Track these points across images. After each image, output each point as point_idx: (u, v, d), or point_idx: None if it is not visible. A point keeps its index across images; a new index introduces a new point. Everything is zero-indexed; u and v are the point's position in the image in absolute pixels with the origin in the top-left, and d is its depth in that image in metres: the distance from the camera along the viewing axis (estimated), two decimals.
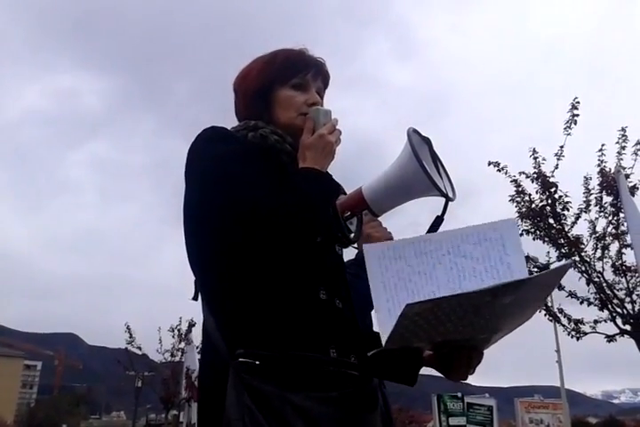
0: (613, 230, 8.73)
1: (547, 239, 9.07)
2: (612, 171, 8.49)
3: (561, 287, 9.17)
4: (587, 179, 8.95)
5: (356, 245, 1.88)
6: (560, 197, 8.91)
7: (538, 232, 9.12)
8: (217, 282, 1.35)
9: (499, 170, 9.49)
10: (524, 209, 9.23)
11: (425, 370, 1.55)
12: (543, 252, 9.34)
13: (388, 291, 1.39)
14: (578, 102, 8.77)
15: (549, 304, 9.56)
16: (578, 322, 9.13)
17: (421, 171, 1.37)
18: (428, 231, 1.50)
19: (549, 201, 8.97)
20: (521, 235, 9.19)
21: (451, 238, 1.42)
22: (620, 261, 8.72)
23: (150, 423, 44.51)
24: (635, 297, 8.52)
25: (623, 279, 8.69)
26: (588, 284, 8.75)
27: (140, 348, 22.86)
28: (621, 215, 8.39)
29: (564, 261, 8.87)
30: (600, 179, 8.80)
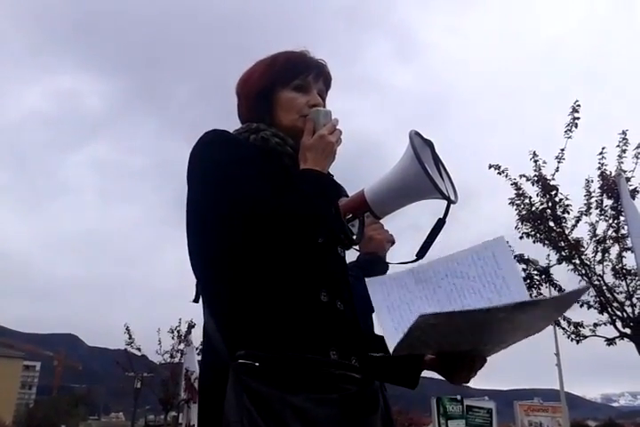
0: (614, 234, 8.75)
1: (547, 242, 9.09)
2: (613, 174, 8.51)
3: (561, 290, 9.20)
4: (588, 181, 8.96)
5: (357, 248, 1.89)
6: (560, 199, 8.93)
7: (538, 235, 9.14)
8: (217, 284, 1.35)
9: (499, 173, 9.51)
10: (524, 212, 9.25)
11: (424, 372, 1.56)
12: (543, 255, 9.37)
13: (392, 312, 1.41)
14: (579, 105, 8.80)
15: None
16: (578, 325, 9.15)
17: (423, 173, 1.37)
18: (431, 233, 1.51)
19: (550, 204, 8.98)
20: (521, 238, 9.23)
21: (446, 263, 1.45)
22: (620, 265, 8.74)
23: (149, 425, 44.52)
24: (635, 300, 8.55)
25: (623, 283, 8.71)
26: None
27: (139, 349, 22.87)
28: (622, 218, 8.40)
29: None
30: (600, 182, 8.81)
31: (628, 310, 8.54)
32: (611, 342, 8.72)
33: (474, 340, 1.30)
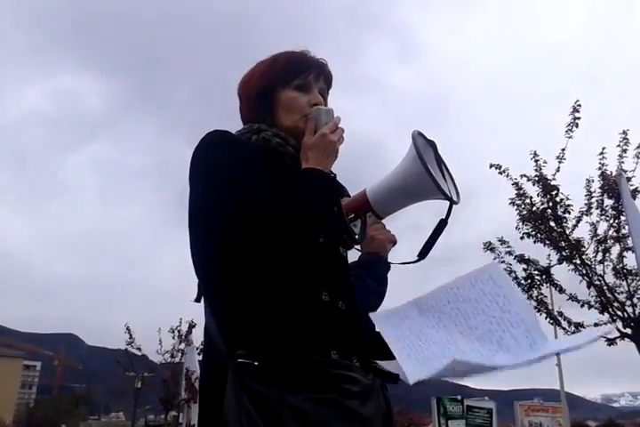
0: (614, 233, 8.74)
1: (548, 242, 9.07)
2: (614, 174, 8.50)
3: (562, 290, 9.20)
4: (588, 181, 8.96)
5: (359, 248, 1.89)
6: (561, 199, 8.92)
7: (539, 235, 9.13)
8: (219, 283, 1.35)
9: (500, 173, 9.50)
10: (524, 212, 9.24)
11: None
12: (544, 255, 9.36)
13: (403, 340, 1.42)
14: (579, 105, 8.79)
15: (550, 307, 9.57)
16: (578, 325, 9.13)
17: (426, 174, 1.37)
18: (433, 234, 1.51)
19: (550, 204, 8.97)
20: (522, 238, 9.24)
21: (446, 290, 1.46)
22: (620, 265, 8.73)
23: (149, 424, 44.52)
24: (635, 300, 8.53)
25: (624, 282, 8.70)
26: (588, 287, 8.76)
27: (139, 349, 22.84)
28: (622, 218, 8.39)
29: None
30: (601, 182, 8.81)
31: (629, 310, 8.53)
32: (611, 342, 8.70)
33: None
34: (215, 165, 1.38)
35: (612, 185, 8.51)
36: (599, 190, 8.84)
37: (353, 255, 1.79)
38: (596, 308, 8.77)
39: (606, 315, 8.69)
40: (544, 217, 9.03)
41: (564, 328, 9.29)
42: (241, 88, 1.61)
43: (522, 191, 9.31)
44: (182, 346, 20.56)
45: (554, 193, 8.92)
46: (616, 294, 8.68)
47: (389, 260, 1.95)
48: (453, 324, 1.42)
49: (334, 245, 1.45)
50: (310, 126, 1.44)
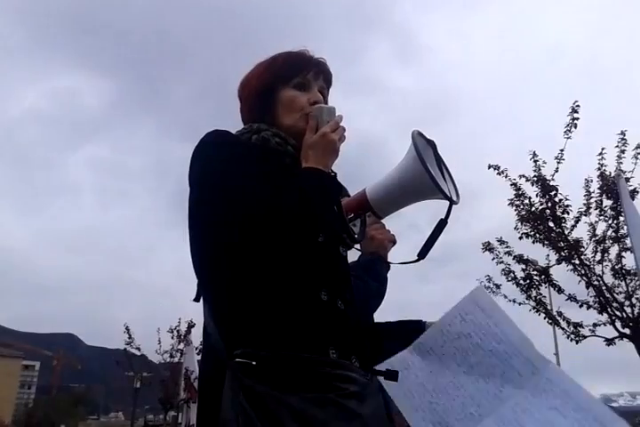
0: (613, 234, 8.73)
1: (546, 242, 9.07)
2: (612, 174, 8.50)
3: (560, 290, 9.20)
4: (587, 182, 8.96)
5: (359, 247, 1.89)
6: (560, 200, 8.91)
7: (537, 235, 9.13)
8: (217, 283, 1.35)
9: (499, 173, 9.50)
10: (523, 212, 9.24)
11: None
12: (543, 255, 9.36)
13: (420, 411, 1.45)
14: (578, 106, 8.77)
15: (549, 307, 9.58)
16: (577, 325, 9.14)
17: (426, 174, 1.37)
18: (432, 234, 1.51)
19: (549, 204, 8.96)
20: (520, 238, 9.24)
21: (440, 331, 1.48)
22: (619, 265, 8.72)
23: (149, 424, 44.39)
24: (634, 301, 8.53)
25: (623, 283, 8.69)
26: (587, 287, 8.76)
27: (138, 348, 22.82)
28: (621, 219, 8.39)
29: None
30: (600, 182, 8.81)
31: (628, 310, 8.53)
32: (610, 342, 8.71)
33: None
34: (214, 165, 1.38)
35: (610, 185, 8.52)
36: (598, 191, 8.84)
37: (353, 255, 1.80)
38: (594, 308, 8.77)
39: (605, 315, 8.69)
40: (543, 217, 9.03)
41: (562, 328, 9.30)
42: (240, 89, 1.62)
43: (521, 192, 9.31)
44: (181, 346, 20.55)
45: (553, 193, 8.92)
46: (615, 295, 8.68)
47: (389, 260, 1.96)
48: (455, 364, 1.44)
49: (334, 245, 1.45)
50: (311, 125, 1.43)
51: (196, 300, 1.44)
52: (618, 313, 8.57)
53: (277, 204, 1.27)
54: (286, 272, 1.30)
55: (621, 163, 8.60)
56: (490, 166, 9.56)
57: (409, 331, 1.58)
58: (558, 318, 9.32)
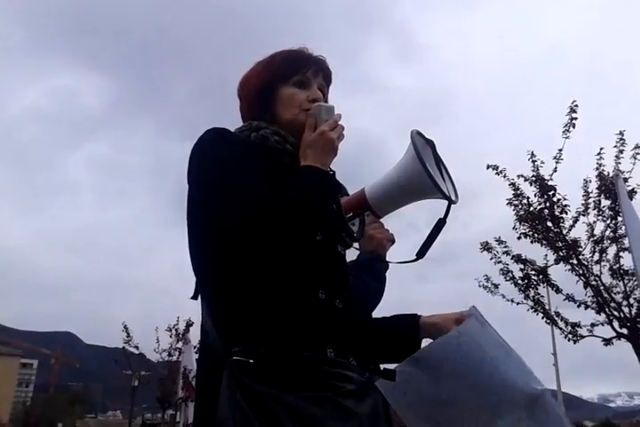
0: (611, 234, 8.76)
1: (545, 242, 9.10)
2: (611, 174, 8.51)
3: (558, 290, 9.22)
4: (585, 182, 8.97)
5: (357, 246, 1.90)
6: (558, 200, 8.93)
7: (536, 235, 9.15)
8: (214, 280, 1.35)
9: (497, 173, 9.51)
10: (522, 212, 9.25)
11: None
12: (541, 255, 9.38)
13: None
14: (576, 106, 8.79)
15: (547, 307, 9.60)
16: (575, 325, 9.16)
17: (425, 173, 1.38)
18: (431, 233, 1.51)
19: (548, 204, 8.98)
20: (519, 238, 9.25)
21: (438, 348, 1.50)
22: (617, 265, 8.75)
23: (146, 423, 44.40)
24: (632, 301, 8.55)
25: (620, 283, 8.72)
26: (585, 287, 8.78)
27: (137, 347, 22.89)
28: (619, 219, 8.41)
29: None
30: (598, 182, 8.82)
31: (626, 310, 8.55)
32: (608, 342, 8.73)
33: None
34: (212, 163, 1.37)
35: (608, 186, 8.53)
36: (596, 191, 8.86)
37: (352, 254, 1.80)
38: (592, 308, 8.79)
39: (603, 315, 8.72)
40: (541, 217, 9.05)
41: (560, 328, 9.34)
42: (240, 88, 1.61)
43: (519, 191, 9.33)
44: (180, 345, 20.60)
45: (551, 193, 8.94)
46: (613, 295, 8.71)
47: (388, 259, 1.96)
48: (450, 385, 1.47)
49: (332, 244, 1.44)
50: (310, 123, 1.43)
51: (194, 297, 1.43)
52: (615, 313, 8.59)
53: (275, 202, 1.27)
54: (284, 270, 1.30)
55: (620, 163, 8.63)
56: (488, 166, 9.58)
57: (403, 326, 1.58)
58: (556, 318, 9.36)
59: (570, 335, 9.18)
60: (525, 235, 9.23)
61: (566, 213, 8.92)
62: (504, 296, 10.02)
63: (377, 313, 1.92)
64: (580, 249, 8.88)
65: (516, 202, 9.35)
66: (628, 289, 8.64)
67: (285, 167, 1.43)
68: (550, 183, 8.93)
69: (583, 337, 9.10)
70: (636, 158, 8.53)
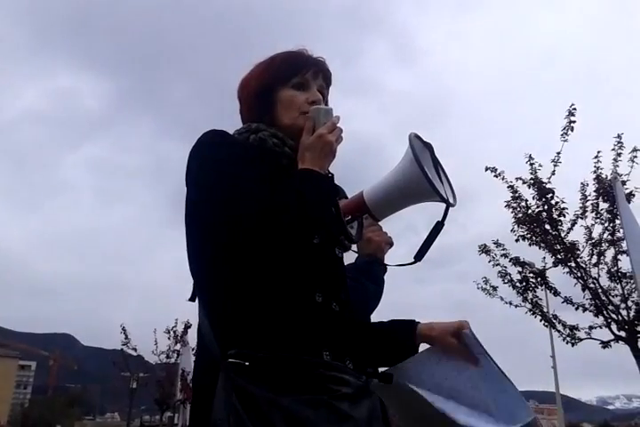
0: (609, 237, 8.74)
1: (543, 245, 9.08)
2: (609, 177, 8.52)
3: (556, 293, 9.22)
4: (583, 185, 8.97)
5: (356, 249, 1.90)
6: (556, 202, 8.93)
7: (534, 238, 9.14)
8: (211, 282, 1.35)
9: (495, 175, 9.51)
10: (520, 215, 9.25)
11: None
12: (539, 257, 9.39)
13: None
14: (575, 109, 8.80)
15: (545, 310, 9.60)
16: (573, 328, 9.16)
17: (423, 176, 1.38)
18: (429, 236, 1.51)
19: (546, 207, 8.98)
20: (517, 240, 9.26)
21: (419, 363, 1.51)
22: (615, 268, 8.73)
23: (145, 425, 44.42)
24: (630, 303, 8.53)
25: (618, 286, 8.70)
26: (583, 290, 8.77)
27: (135, 349, 22.82)
28: (617, 222, 8.39)
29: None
30: (596, 185, 8.82)
31: (624, 313, 8.54)
32: (606, 345, 8.72)
33: None
34: (210, 164, 1.37)
35: (607, 188, 8.53)
36: (594, 194, 8.86)
37: (350, 257, 1.81)
38: (590, 311, 8.78)
39: (601, 318, 8.70)
40: (539, 220, 9.04)
41: (558, 331, 9.33)
42: (240, 90, 1.62)
43: (517, 194, 9.33)
44: (178, 347, 20.55)
45: (549, 196, 8.93)
46: (610, 297, 8.69)
47: (386, 261, 1.96)
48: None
49: (329, 247, 1.44)
50: (308, 126, 1.43)
51: (192, 299, 1.44)
52: (614, 316, 8.57)
53: (273, 205, 1.27)
54: (281, 273, 1.30)
55: (618, 166, 8.62)
56: (487, 169, 9.57)
57: (401, 333, 1.58)
58: (554, 321, 9.35)
59: (568, 338, 9.17)
60: (523, 237, 9.22)
61: (564, 216, 8.92)
62: (502, 299, 10.02)
63: (376, 315, 1.93)
64: (578, 252, 8.88)
65: (515, 205, 9.34)
66: (625, 292, 8.63)
67: (283, 170, 1.43)
68: (548, 186, 8.93)
69: (581, 340, 9.09)
70: (633, 161, 8.52)
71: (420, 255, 1.53)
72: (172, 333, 21.16)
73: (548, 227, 9.01)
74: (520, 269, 9.57)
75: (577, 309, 8.92)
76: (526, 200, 9.22)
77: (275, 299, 1.28)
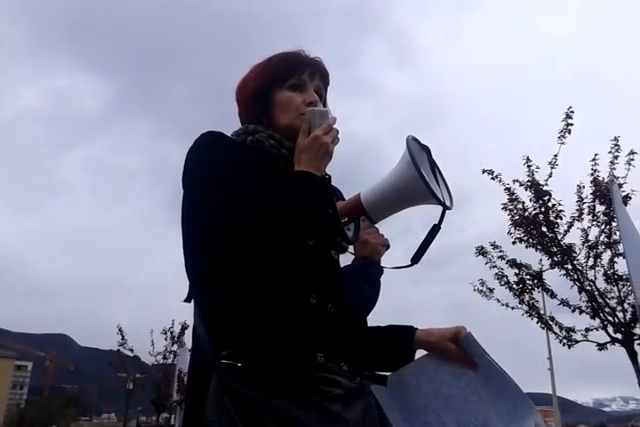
0: (606, 239, 8.76)
1: (539, 247, 9.09)
2: (606, 180, 8.54)
3: (553, 295, 9.23)
4: (580, 187, 8.99)
5: (353, 251, 1.91)
6: (553, 205, 8.94)
7: (531, 240, 9.15)
8: (205, 284, 1.36)
9: (492, 178, 9.52)
10: (517, 217, 9.27)
11: None
12: (536, 259, 9.40)
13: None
14: (572, 111, 8.82)
15: (542, 312, 9.61)
16: (569, 330, 9.17)
17: (420, 179, 1.38)
18: (426, 239, 1.52)
19: (542, 209, 8.99)
20: (514, 243, 9.26)
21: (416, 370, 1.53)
22: (612, 270, 8.74)
23: (141, 426, 44.29)
24: (626, 306, 8.55)
25: (615, 288, 8.71)
26: (580, 292, 8.78)
27: (132, 350, 22.80)
28: (614, 224, 8.42)
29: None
30: (593, 188, 8.84)
31: (620, 315, 8.55)
32: (602, 347, 8.73)
33: None
34: (207, 166, 1.38)
35: (603, 191, 8.55)
36: (591, 196, 8.88)
37: (346, 259, 1.81)
38: (587, 313, 8.79)
39: (597, 320, 8.72)
40: (536, 222, 9.06)
41: (555, 333, 9.34)
42: (238, 93, 1.62)
43: (514, 196, 9.34)
44: (175, 347, 20.55)
45: (546, 198, 8.94)
46: (607, 300, 8.70)
47: (383, 264, 1.97)
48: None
49: (324, 248, 1.44)
50: (304, 128, 1.42)
51: (187, 300, 1.44)
52: (610, 318, 8.58)
53: (268, 207, 1.27)
54: (276, 275, 1.30)
55: (614, 169, 8.64)
56: (484, 171, 9.59)
57: (398, 339, 1.58)
58: (551, 323, 9.36)
59: (564, 340, 9.18)
60: (520, 240, 9.23)
61: (561, 219, 8.93)
62: (499, 301, 10.03)
63: (372, 317, 1.93)
64: (575, 254, 8.88)
65: (511, 207, 9.36)
66: (622, 294, 8.64)
67: (280, 172, 1.43)
68: (545, 188, 8.95)
69: (578, 342, 9.10)
70: (630, 164, 8.54)
71: (416, 258, 1.54)
72: (168, 333, 21.17)
73: (544, 229, 9.02)
74: (517, 271, 9.58)
75: (573, 311, 8.93)
76: (523, 202, 9.24)
77: (269, 300, 1.28)
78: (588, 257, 8.85)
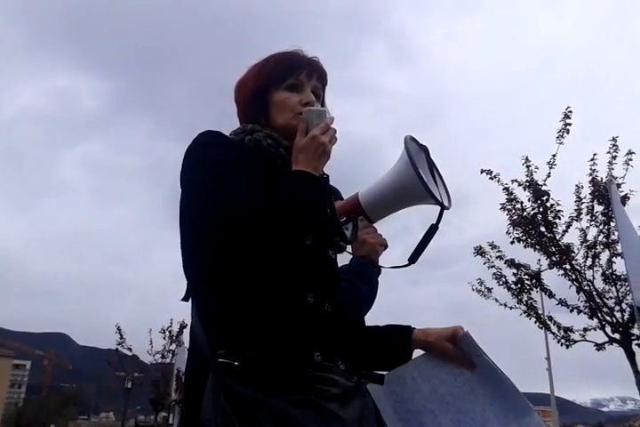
0: (604, 239, 8.78)
1: (538, 247, 9.11)
2: (604, 180, 8.55)
3: (551, 295, 9.24)
4: (578, 187, 9.00)
5: (350, 250, 1.91)
6: (552, 205, 8.96)
7: (529, 240, 9.17)
8: (203, 283, 1.36)
9: (491, 178, 9.52)
10: (515, 217, 9.27)
11: None
12: (534, 259, 9.41)
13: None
14: (570, 112, 8.83)
15: (540, 312, 9.62)
16: (567, 330, 9.18)
17: (418, 179, 1.38)
18: (423, 239, 1.52)
19: (541, 209, 9.01)
20: (512, 242, 9.27)
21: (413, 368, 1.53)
22: (610, 270, 8.77)
23: (139, 425, 44.18)
24: (624, 306, 8.57)
25: (613, 288, 8.74)
26: (578, 292, 8.81)
27: (130, 349, 22.84)
28: (612, 224, 8.44)
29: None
30: (591, 188, 8.85)
31: (618, 315, 8.57)
32: (600, 347, 8.74)
33: None
34: (205, 165, 1.38)
35: (602, 191, 8.57)
36: (589, 196, 8.89)
37: (344, 259, 1.81)
38: (585, 313, 8.81)
39: (595, 320, 8.73)
40: (534, 222, 9.07)
41: (553, 333, 9.35)
42: (236, 93, 1.62)
43: (513, 196, 9.35)
44: (173, 346, 20.58)
45: (544, 198, 8.96)
46: (605, 300, 8.73)
47: (380, 263, 1.97)
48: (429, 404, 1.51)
49: (322, 248, 1.44)
50: (301, 128, 1.42)
51: (185, 299, 1.44)
52: (608, 318, 8.61)
53: (265, 207, 1.27)
54: (273, 274, 1.30)
55: (613, 169, 8.65)
56: (482, 171, 9.59)
57: (396, 338, 1.58)
58: (549, 323, 9.37)
59: (562, 340, 9.19)
60: (519, 240, 9.25)
61: (559, 219, 8.95)
62: (497, 300, 10.04)
63: (370, 316, 1.94)
64: (573, 254, 8.91)
65: (510, 207, 9.37)
66: (620, 294, 8.67)
67: (277, 171, 1.43)
68: (544, 188, 8.96)
69: (576, 342, 9.12)
70: (628, 164, 8.56)
71: (414, 258, 1.54)
72: (167, 333, 21.21)
73: (543, 229, 9.04)
74: (515, 271, 9.60)
75: (571, 311, 8.96)
76: (522, 202, 9.25)
77: (266, 299, 1.28)
78: (587, 257, 8.88)
